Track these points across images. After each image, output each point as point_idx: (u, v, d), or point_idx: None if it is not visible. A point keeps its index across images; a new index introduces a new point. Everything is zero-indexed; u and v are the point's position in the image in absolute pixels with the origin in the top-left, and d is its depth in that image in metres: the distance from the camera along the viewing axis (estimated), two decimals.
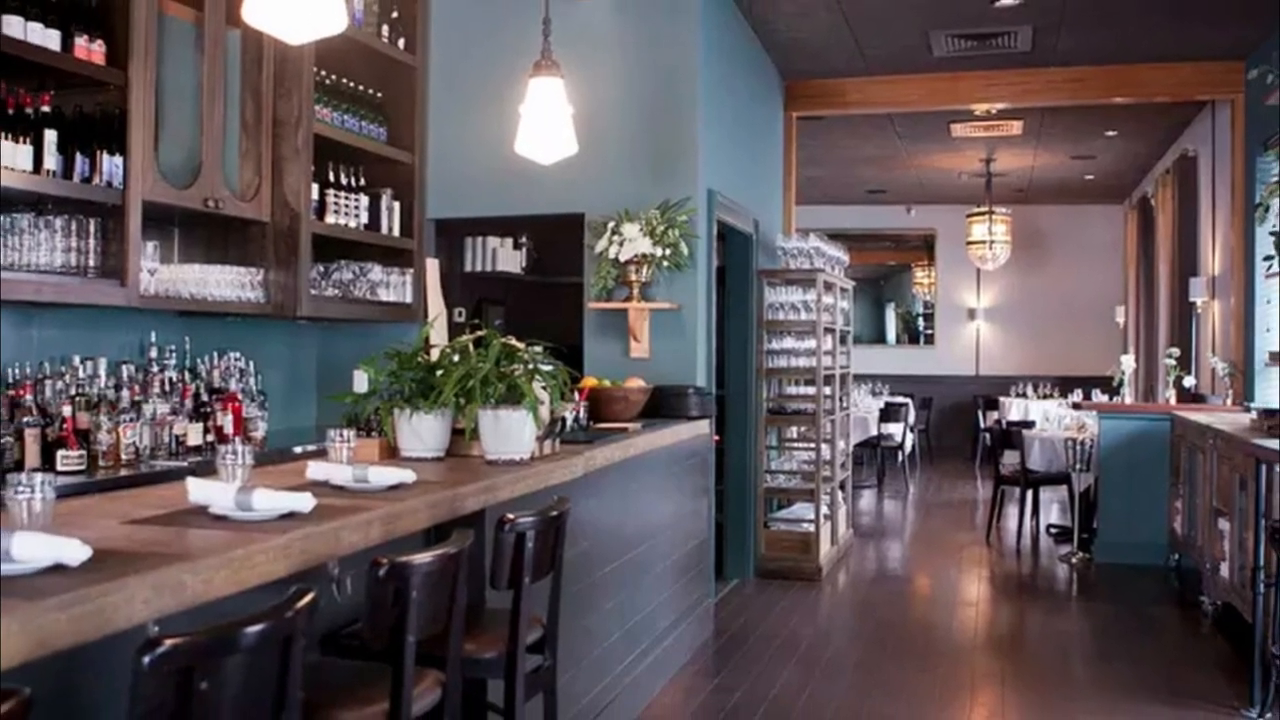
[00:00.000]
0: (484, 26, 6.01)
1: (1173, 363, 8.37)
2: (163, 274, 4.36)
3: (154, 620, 1.75)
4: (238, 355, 4.88)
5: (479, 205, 6.05)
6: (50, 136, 3.75)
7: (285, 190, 4.85)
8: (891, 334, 16.04)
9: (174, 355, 4.54)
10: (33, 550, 1.75)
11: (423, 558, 2.18)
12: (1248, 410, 6.68)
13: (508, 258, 6.79)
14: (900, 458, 12.36)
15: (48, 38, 3.72)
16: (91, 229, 4.01)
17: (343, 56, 5.14)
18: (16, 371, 3.92)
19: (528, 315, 6.96)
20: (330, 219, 5.11)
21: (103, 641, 1.67)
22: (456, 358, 3.49)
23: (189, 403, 4.45)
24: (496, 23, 5.95)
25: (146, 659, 1.47)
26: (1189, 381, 8.49)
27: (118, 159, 3.99)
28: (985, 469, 12.50)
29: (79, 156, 3.88)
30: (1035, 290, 15.04)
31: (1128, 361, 9.47)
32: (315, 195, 4.98)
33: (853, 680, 4.95)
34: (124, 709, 1.50)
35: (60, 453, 3.76)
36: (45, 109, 3.77)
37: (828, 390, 7.28)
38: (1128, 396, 9.22)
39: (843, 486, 8.03)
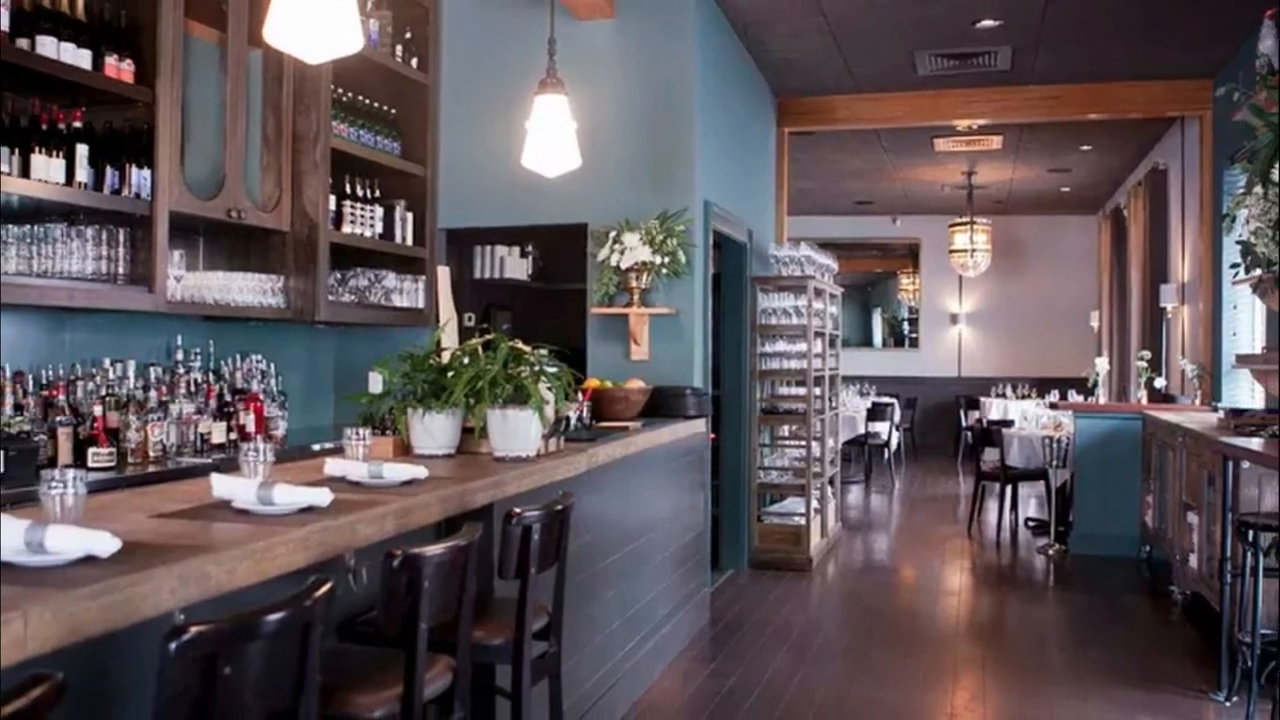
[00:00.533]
0: (492, 46, 6.01)
1: (1144, 365, 8.38)
2: (188, 281, 4.36)
3: (180, 609, 1.75)
4: (259, 358, 4.88)
5: (488, 216, 6.05)
6: (82, 151, 3.76)
7: (304, 201, 4.86)
8: (878, 338, 16.04)
9: (199, 358, 4.54)
10: (65, 542, 1.75)
11: (434, 549, 2.18)
12: (1215, 410, 6.68)
13: (515, 265, 6.79)
14: (886, 455, 12.34)
15: (79, 57, 3.73)
16: (121, 238, 4.01)
17: (359, 75, 5.15)
18: (50, 373, 3.92)
19: (534, 320, 6.96)
20: (347, 229, 5.12)
21: (132, 629, 1.67)
22: (466, 360, 3.49)
23: (213, 403, 4.45)
24: (504, 43, 5.95)
25: (173, 645, 1.47)
26: (1159, 383, 8.49)
27: (146, 172, 4.00)
28: (967, 465, 12.48)
29: (109, 170, 3.88)
30: (1014, 296, 15.04)
31: (1101, 364, 9.49)
32: (333, 206, 4.99)
33: (841, 666, 4.94)
34: (151, 693, 1.50)
35: (91, 450, 3.76)
36: (77, 124, 3.78)
37: (817, 391, 7.28)
38: (1102, 397, 9.23)
39: (832, 482, 8.02)
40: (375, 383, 3.71)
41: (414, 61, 5.66)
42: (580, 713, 3.79)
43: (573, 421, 4.15)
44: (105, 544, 1.77)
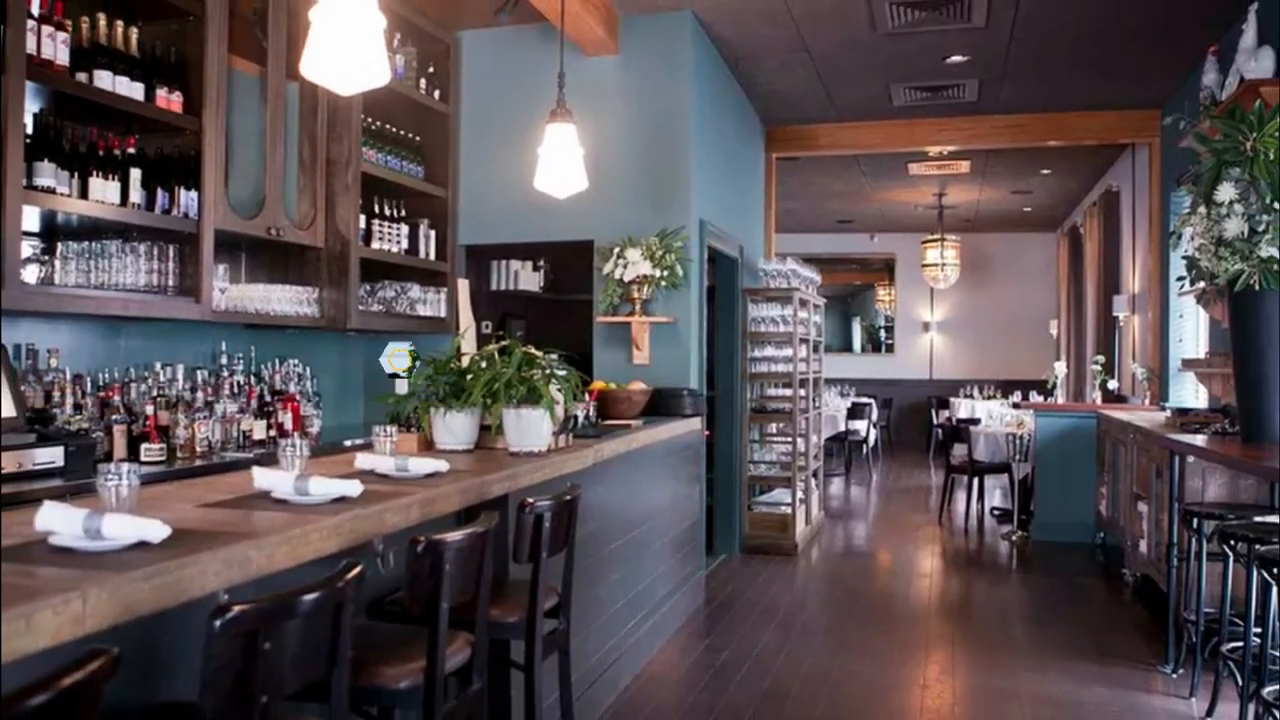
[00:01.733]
0: (507, 80, 6.02)
1: (1098, 368, 8.37)
2: (232, 292, 4.36)
3: (224, 589, 1.75)
4: (296, 362, 4.88)
5: (503, 233, 6.05)
6: (135, 174, 3.76)
7: (337, 220, 4.86)
8: (857, 343, 16.03)
9: (241, 362, 4.54)
10: (120, 529, 1.75)
11: (455, 536, 2.18)
12: (1163, 409, 6.68)
13: (528, 278, 6.79)
14: (864, 450, 12.35)
15: (133, 89, 3.73)
16: (170, 254, 4.02)
17: (386, 106, 5.15)
18: (106, 376, 3.93)
19: (545, 327, 6.98)
20: (375, 245, 5.12)
21: (180, 608, 1.67)
22: (484, 364, 3.49)
23: (254, 403, 4.45)
24: (518, 77, 5.96)
25: (218, 623, 1.48)
26: (1112, 384, 8.49)
27: (193, 193, 4.00)
28: (937, 460, 12.48)
29: (160, 192, 3.89)
30: (981, 306, 15.04)
31: (1060, 367, 9.48)
32: (363, 224, 4.99)
33: (824, 641, 4.94)
34: (198, 665, 1.50)
35: (144, 446, 3.76)
36: (131, 150, 3.78)
37: (802, 392, 7.28)
38: (1060, 397, 9.22)
39: (815, 475, 8.02)
40: (401, 384, 3.71)
41: (436, 93, 5.66)
42: (587, 684, 3.79)
43: (580, 420, 4.16)
44: (156, 531, 1.77)
